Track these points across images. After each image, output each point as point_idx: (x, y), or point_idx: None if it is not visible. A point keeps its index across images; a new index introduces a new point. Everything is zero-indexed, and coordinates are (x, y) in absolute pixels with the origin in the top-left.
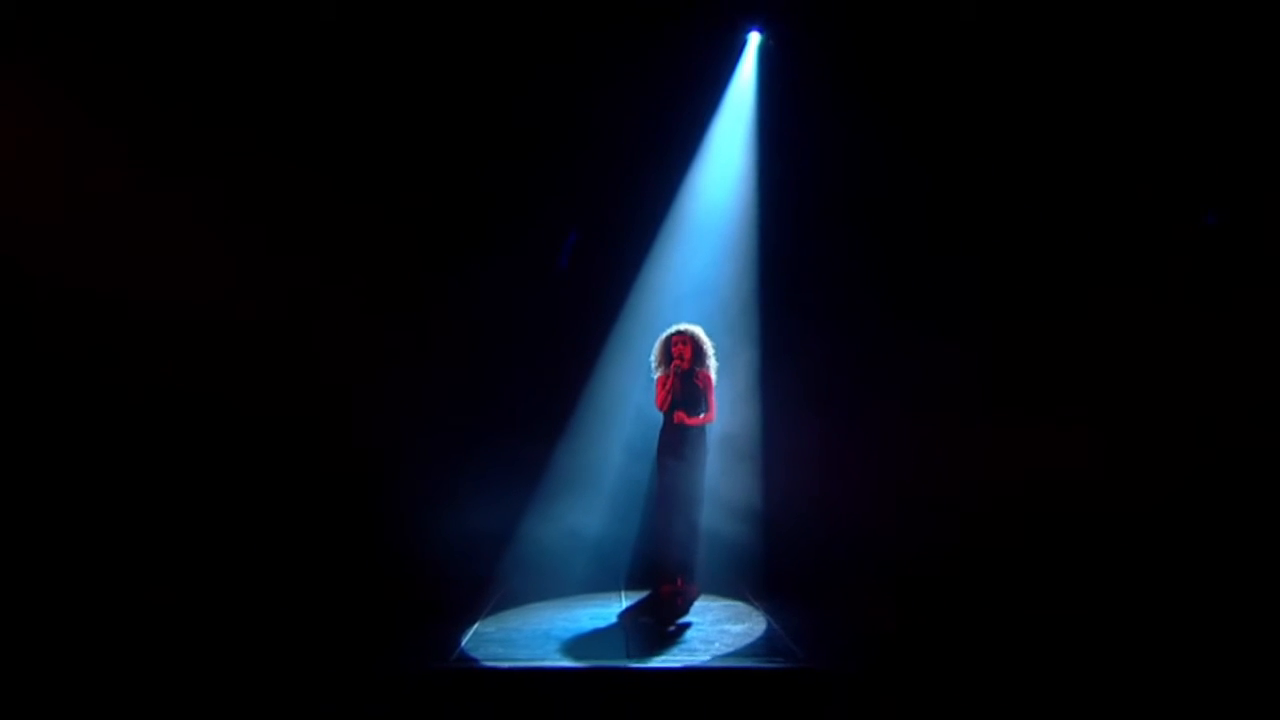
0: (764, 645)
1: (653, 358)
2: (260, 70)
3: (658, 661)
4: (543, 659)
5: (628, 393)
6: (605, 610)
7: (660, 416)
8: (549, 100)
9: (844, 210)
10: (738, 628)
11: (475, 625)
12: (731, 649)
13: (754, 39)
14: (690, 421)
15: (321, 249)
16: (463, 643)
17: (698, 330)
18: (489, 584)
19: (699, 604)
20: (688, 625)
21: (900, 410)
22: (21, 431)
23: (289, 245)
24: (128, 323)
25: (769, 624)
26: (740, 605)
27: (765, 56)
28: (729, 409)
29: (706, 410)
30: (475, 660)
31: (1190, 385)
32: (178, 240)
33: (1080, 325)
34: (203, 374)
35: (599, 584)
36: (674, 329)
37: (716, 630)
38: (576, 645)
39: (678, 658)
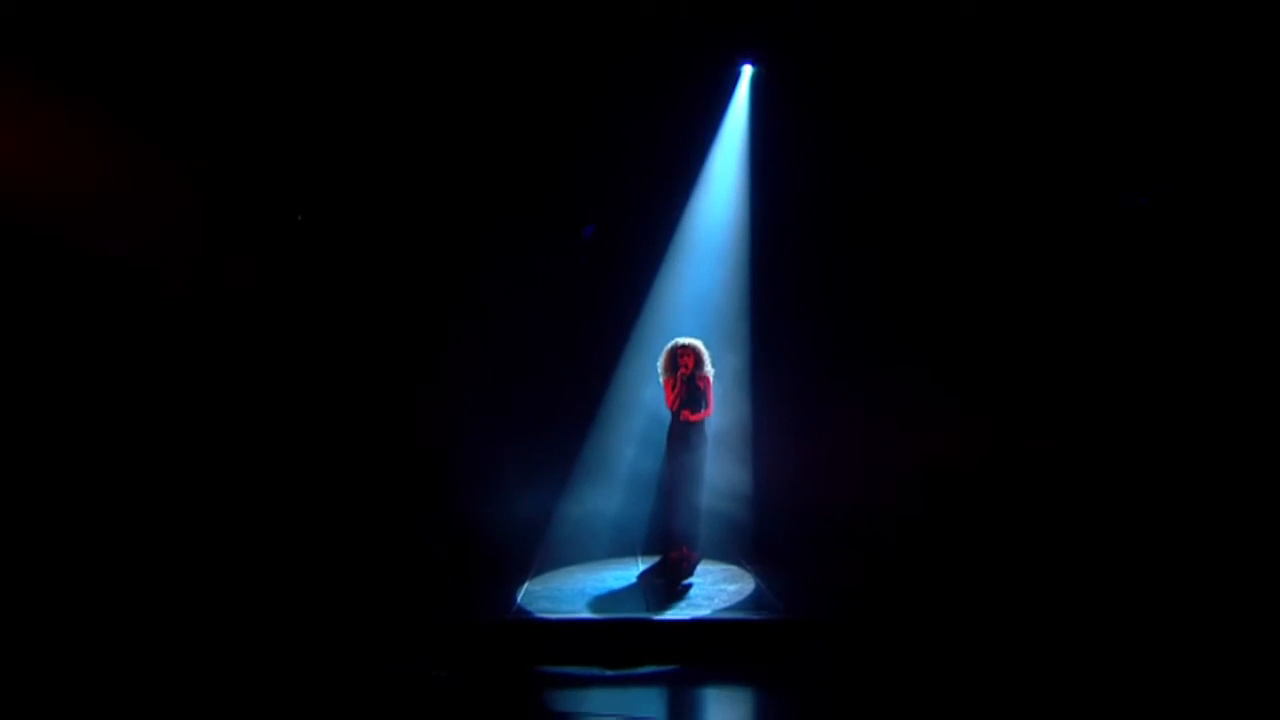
0: (753, 601)
1: (660, 365)
2: (329, 75)
3: (670, 614)
4: (581, 612)
5: (640, 394)
6: (626, 572)
7: (668, 414)
8: (576, 140)
9: (823, 229)
10: (732, 587)
11: (525, 585)
12: (727, 604)
13: (747, 71)
14: (694, 418)
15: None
16: (518, 599)
17: (698, 343)
18: (533, 551)
19: (701, 567)
20: (692, 585)
21: (866, 407)
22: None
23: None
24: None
25: (757, 584)
26: (734, 568)
27: (757, 87)
28: (722, 405)
29: (707, 407)
30: (531, 613)
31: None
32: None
33: (1005, 342)
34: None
35: (620, 550)
36: (678, 342)
37: (715, 589)
38: (606, 601)
39: (685, 611)
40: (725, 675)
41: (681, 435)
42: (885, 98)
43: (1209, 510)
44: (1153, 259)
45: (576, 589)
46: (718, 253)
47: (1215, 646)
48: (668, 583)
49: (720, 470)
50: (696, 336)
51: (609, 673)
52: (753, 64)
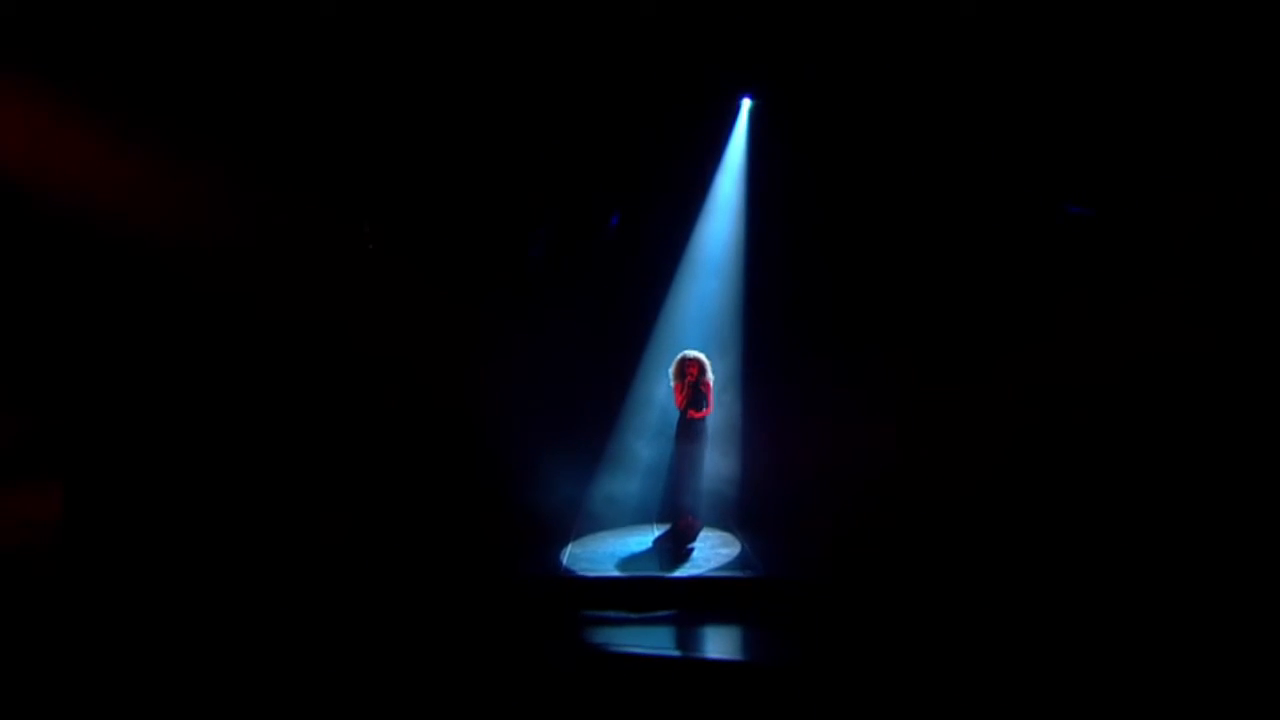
0: (740, 561)
1: (671, 373)
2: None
3: (678, 573)
4: (611, 570)
5: (653, 394)
6: (644, 538)
7: (676, 411)
8: (605, 173)
9: (804, 249)
10: (725, 550)
11: (568, 548)
12: (721, 564)
13: (746, 105)
14: (697, 415)
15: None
16: (564, 560)
17: (701, 355)
18: (573, 521)
19: (702, 534)
20: (693, 548)
21: (838, 406)
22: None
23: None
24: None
25: (743, 548)
26: (727, 535)
27: (754, 118)
28: (717, 403)
29: (707, 406)
30: (575, 571)
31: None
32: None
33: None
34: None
35: (639, 519)
36: (686, 355)
37: (712, 552)
38: (631, 561)
39: (689, 570)
40: (719, 618)
41: (687, 428)
42: (859, 132)
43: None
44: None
45: (607, 551)
46: (718, 269)
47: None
48: (676, 546)
49: (717, 456)
50: (699, 348)
51: (632, 615)
52: (751, 97)
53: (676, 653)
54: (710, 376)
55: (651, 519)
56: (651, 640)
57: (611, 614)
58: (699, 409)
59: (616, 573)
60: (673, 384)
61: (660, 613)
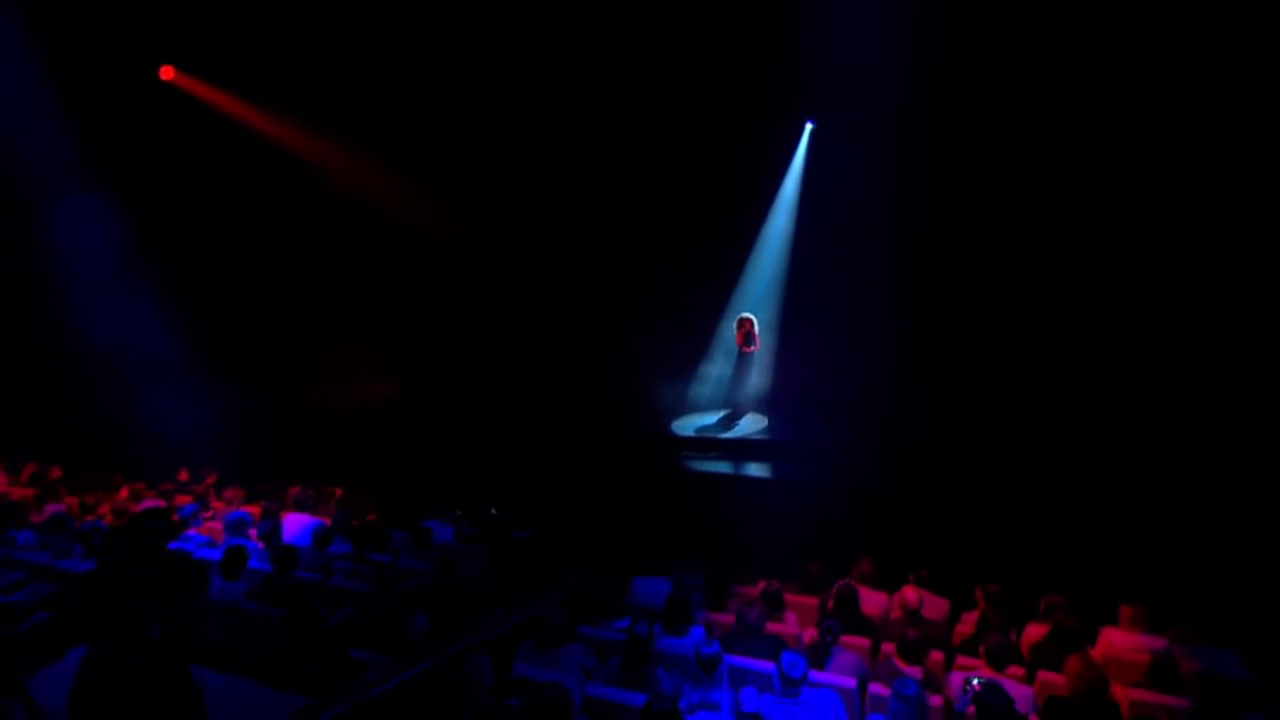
0: (766, 429)
1: (735, 324)
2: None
3: (732, 434)
4: (694, 432)
5: (725, 336)
6: (714, 416)
7: (735, 347)
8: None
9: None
10: (757, 425)
11: (674, 422)
12: (754, 430)
13: (808, 127)
14: (748, 350)
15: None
16: (672, 427)
17: (752, 316)
18: (676, 407)
19: (746, 415)
20: (739, 423)
21: (830, 342)
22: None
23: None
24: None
25: (769, 420)
26: (760, 415)
27: (814, 138)
28: (761, 341)
29: (754, 345)
30: (677, 432)
31: None
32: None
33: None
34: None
35: (712, 407)
36: (743, 315)
37: (749, 424)
38: (706, 428)
39: (735, 433)
40: (753, 458)
41: (741, 357)
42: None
43: None
44: None
45: (694, 424)
46: (772, 251)
47: None
48: (732, 421)
49: (758, 371)
50: (753, 307)
51: (703, 454)
52: (813, 122)
53: (730, 471)
54: (757, 329)
55: (718, 406)
56: (716, 466)
57: (694, 454)
58: (749, 346)
59: (697, 435)
60: (736, 332)
61: (717, 454)
